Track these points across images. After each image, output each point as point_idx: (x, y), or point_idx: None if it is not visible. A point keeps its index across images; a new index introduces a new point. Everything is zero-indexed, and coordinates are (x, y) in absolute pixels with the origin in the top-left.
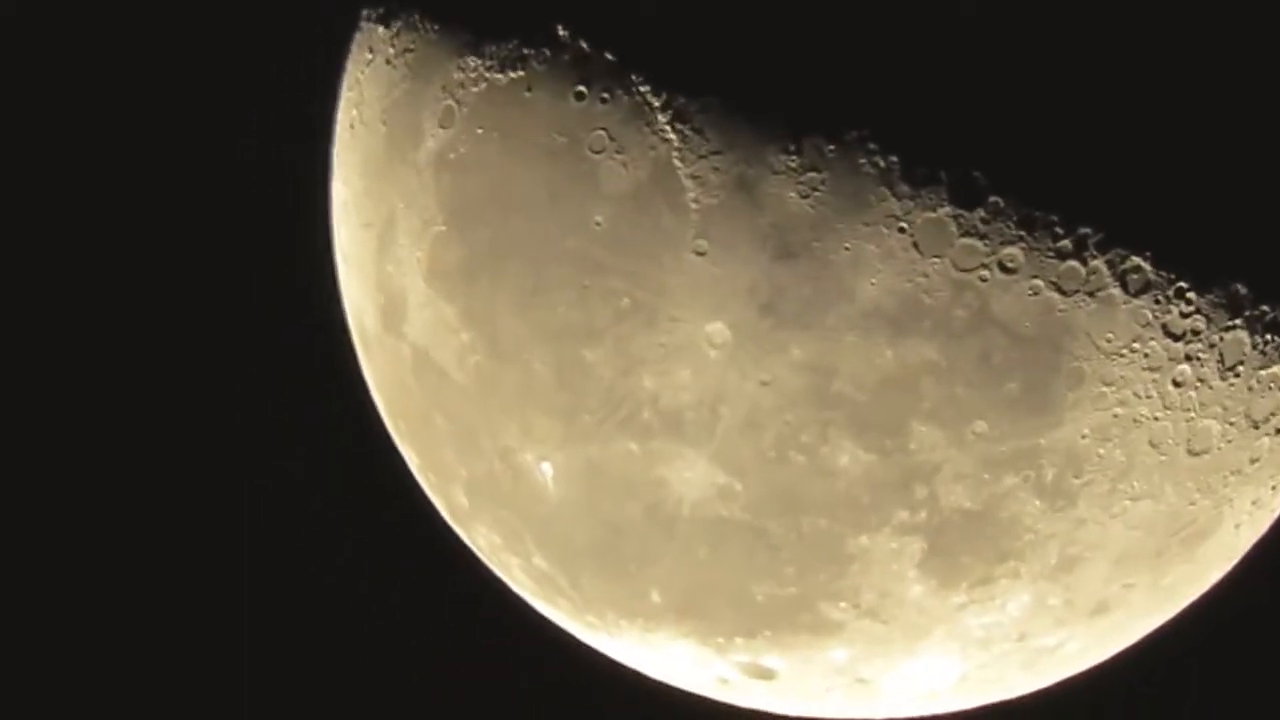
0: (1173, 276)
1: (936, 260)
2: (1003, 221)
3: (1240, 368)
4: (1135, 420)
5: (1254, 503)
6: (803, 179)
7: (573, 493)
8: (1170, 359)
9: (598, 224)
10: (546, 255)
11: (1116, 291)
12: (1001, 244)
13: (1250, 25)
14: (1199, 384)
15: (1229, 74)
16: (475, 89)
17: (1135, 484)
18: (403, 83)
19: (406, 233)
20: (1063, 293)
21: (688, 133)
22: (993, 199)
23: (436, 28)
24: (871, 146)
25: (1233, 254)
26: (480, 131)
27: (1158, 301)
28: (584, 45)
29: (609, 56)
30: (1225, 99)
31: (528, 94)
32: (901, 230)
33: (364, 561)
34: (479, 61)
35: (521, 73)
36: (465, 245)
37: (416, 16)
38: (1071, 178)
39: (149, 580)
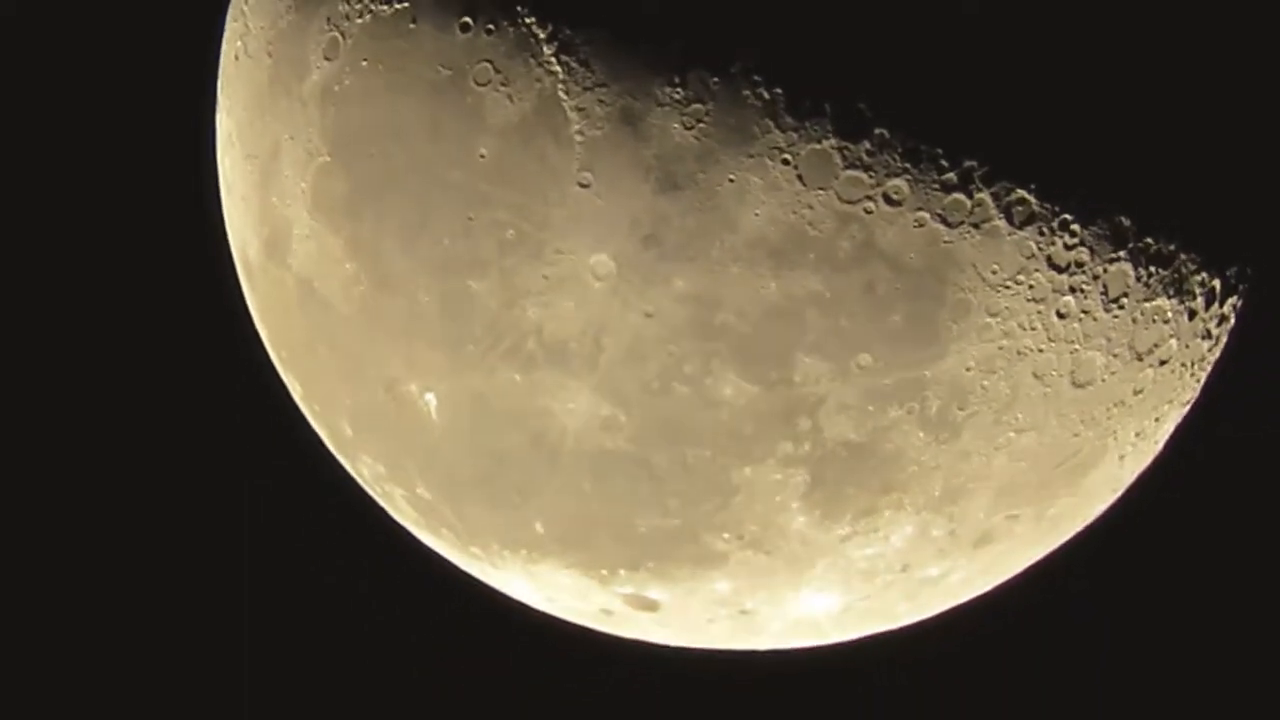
0: (1057, 209)
1: (821, 192)
2: (888, 154)
3: (1124, 299)
4: (1020, 352)
5: (1137, 434)
6: (687, 111)
7: (457, 423)
8: (1055, 291)
9: (482, 156)
10: (431, 187)
11: (1001, 223)
12: (887, 176)
13: None
14: (1083, 316)
15: (1108, 1)
16: (360, 20)
17: (1020, 416)
18: (288, 14)
19: (291, 164)
20: (948, 224)
21: (573, 65)
22: (878, 131)
23: None
24: (756, 78)
25: (1117, 186)
26: (365, 64)
27: (1042, 233)
28: None
29: None
30: (1106, 27)
31: (412, 26)
32: (786, 162)
33: (245, 489)
34: None
35: (406, 4)
36: (350, 177)
37: None
38: (956, 110)
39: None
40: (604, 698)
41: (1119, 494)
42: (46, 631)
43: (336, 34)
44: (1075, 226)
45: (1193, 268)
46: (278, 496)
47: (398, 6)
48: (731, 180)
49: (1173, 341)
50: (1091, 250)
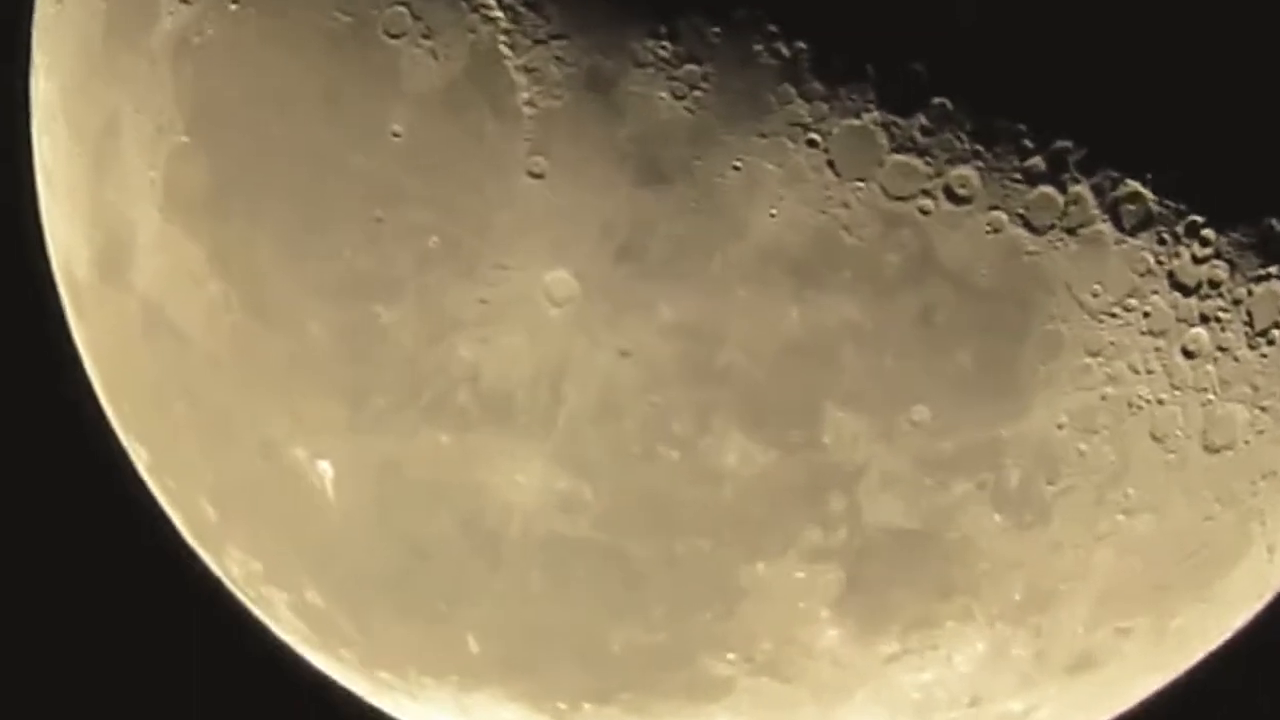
0: (1183, 208)
1: (860, 185)
2: (951, 131)
3: (1275, 332)
4: (1131, 404)
5: None
6: (677, 74)
7: (362, 502)
8: (1180, 320)
9: (396, 135)
10: (326, 178)
11: (1106, 228)
12: (949, 162)
13: None
14: (1219, 355)
15: None
16: None
17: (1131, 492)
18: None
19: (135, 145)
20: (1033, 229)
21: (520, 9)
22: (937, 100)
23: None
24: (771, 29)
25: (1265, 178)
26: (235, 7)
27: (1163, 241)
28: None
29: None
30: None
31: None
32: (812, 144)
33: (70, 593)
34: None
35: None
36: (216, 163)
37: None
38: (1044, 72)
39: None
40: None
41: (1266, 599)
42: None
43: None
44: (1208, 232)
45: None
46: (114, 603)
47: None
48: (737, 168)
49: None
50: (1231, 265)
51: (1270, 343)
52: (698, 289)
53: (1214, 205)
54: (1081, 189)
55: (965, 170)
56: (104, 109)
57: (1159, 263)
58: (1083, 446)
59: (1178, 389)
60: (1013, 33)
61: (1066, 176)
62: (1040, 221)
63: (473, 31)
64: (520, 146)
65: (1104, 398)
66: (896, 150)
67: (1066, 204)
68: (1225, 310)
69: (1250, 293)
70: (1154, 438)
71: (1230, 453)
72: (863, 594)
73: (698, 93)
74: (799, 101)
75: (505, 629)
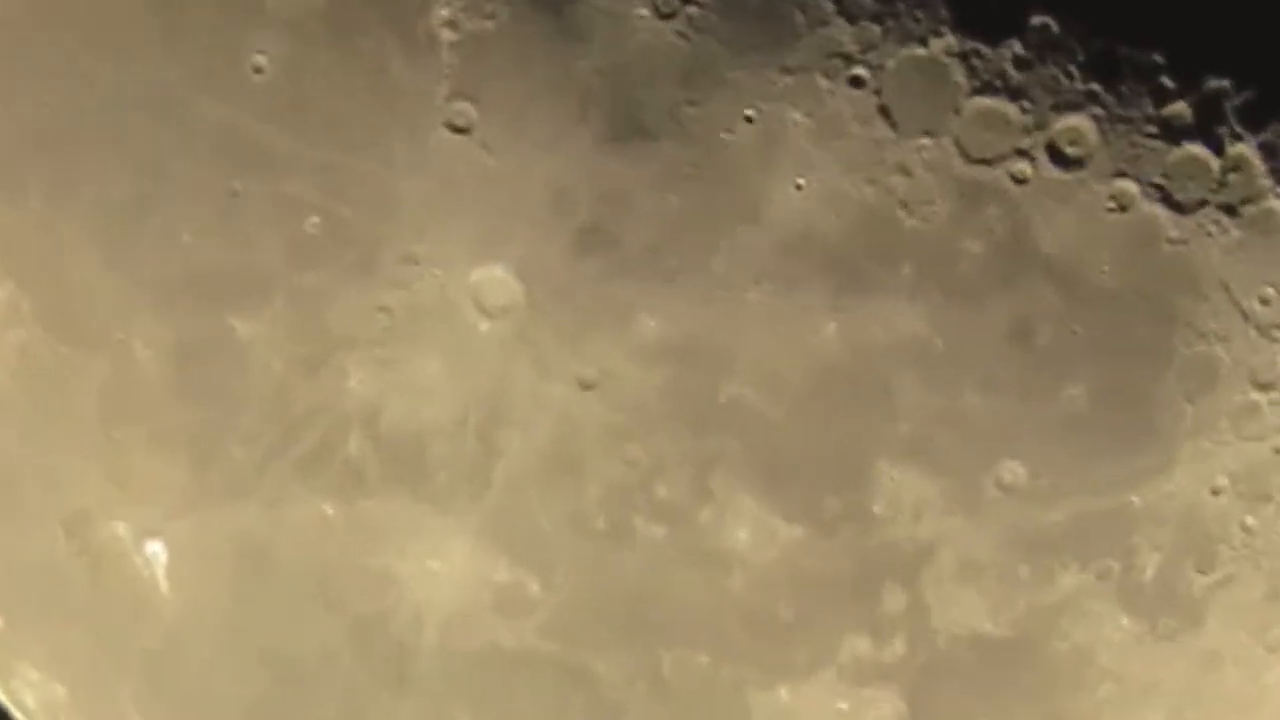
0: None
1: (927, 143)
2: (1056, 64)
3: None
4: None
5: None
6: None
7: (209, 600)
8: None
9: (259, 72)
10: (159, 133)
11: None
12: (1055, 109)
13: None
14: None
15: None
16: None
17: None
18: None
19: None
20: (1176, 207)
21: None
22: (1038, 20)
23: None
24: None
25: None
26: None
27: None
28: None
29: None
30: None
31: None
32: (857, 83)
33: None
34: None
35: None
36: (3, 118)
37: None
38: None
39: None
40: None
41: None
42: None
43: None
44: None
45: None
46: None
47: None
48: (750, 119)
49: None
50: None
51: None
52: (693, 293)
53: None
54: (1245, 149)
55: (1078, 120)
56: None
57: None
58: (1249, 520)
59: None
60: None
61: (1224, 130)
62: (1187, 195)
63: None
64: (437, 88)
65: (1279, 450)
66: (979, 92)
67: (1225, 170)
68: None
69: None
70: None
71: None
72: None
73: (693, 10)
74: (838, 22)
75: None
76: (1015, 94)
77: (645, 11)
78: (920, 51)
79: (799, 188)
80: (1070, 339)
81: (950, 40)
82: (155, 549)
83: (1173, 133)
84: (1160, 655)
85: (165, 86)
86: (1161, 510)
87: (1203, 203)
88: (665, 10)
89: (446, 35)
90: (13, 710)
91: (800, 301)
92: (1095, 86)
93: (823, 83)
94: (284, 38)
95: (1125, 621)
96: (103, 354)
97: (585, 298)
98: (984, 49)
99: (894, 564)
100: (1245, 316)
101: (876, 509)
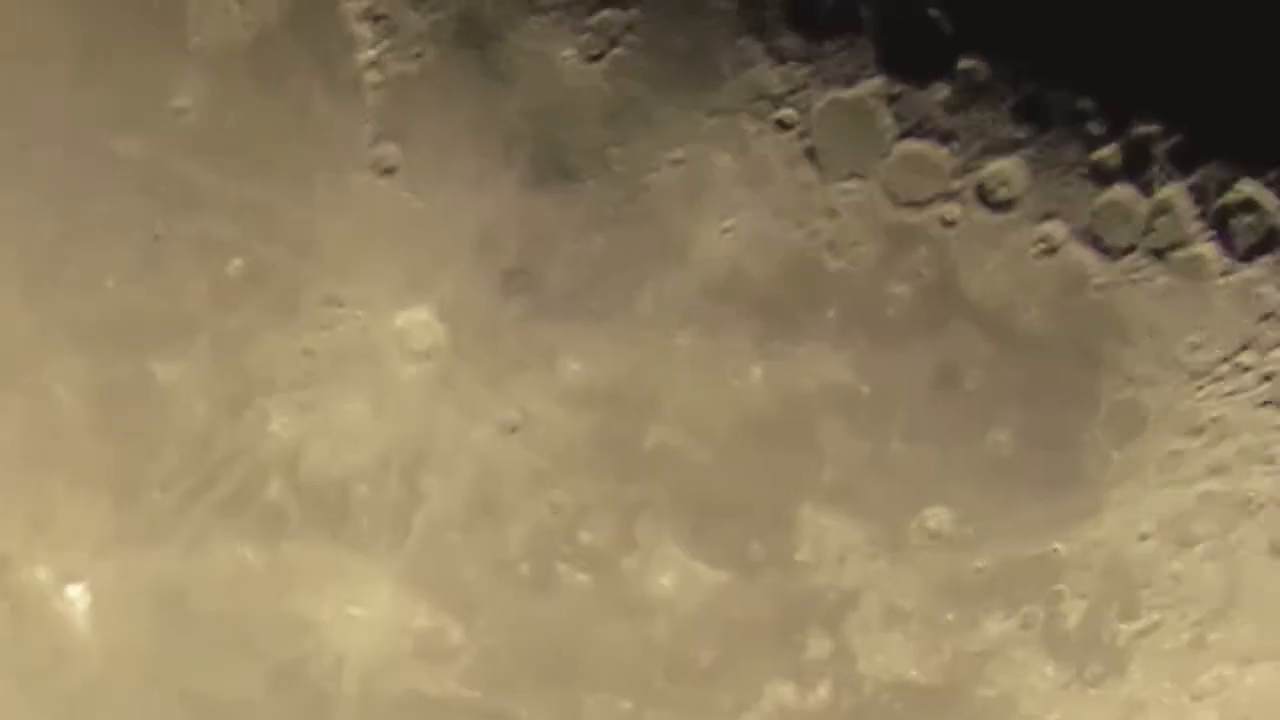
0: None
1: (855, 184)
2: (986, 107)
3: None
4: (1247, 504)
5: None
6: (590, 22)
7: (128, 644)
8: None
9: (182, 112)
10: (80, 172)
11: (1209, 250)
12: (984, 152)
13: None
14: None
15: None
16: None
17: (1244, 631)
18: None
19: None
20: (1105, 251)
21: None
22: (968, 63)
23: None
24: None
25: None
26: None
27: None
28: None
29: None
30: None
31: None
32: (784, 125)
33: None
34: None
35: None
36: None
37: None
38: (1125, 23)
39: None
40: None
41: None
42: None
43: None
44: None
45: None
46: None
47: None
48: (676, 161)
49: None
50: None
51: None
52: (619, 335)
53: None
54: (1174, 193)
55: (1006, 163)
56: None
57: None
58: (1175, 567)
59: None
60: None
61: (1152, 174)
62: (1115, 239)
63: None
64: (362, 129)
65: (1205, 497)
66: (907, 134)
67: (1153, 214)
68: None
69: None
70: (1275, 552)
71: None
72: None
73: (620, 51)
74: (765, 64)
75: None
76: (944, 137)
77: (571, 54)
78: (848, 94)
79: (725, 230)
80: (997, 384)
81: (878, 83)
82: (76, 592)
83: (1101, 176)
84: (1085, 703)
85: (88, 126)
86: (1087, 557)
87: (1131, 247)
88: (591, 52)
89: (372, 77)
90: None
91: (726, 345)
92: (1024, 130)
93: (749, 125)
94: (208, 78)
95: (1050, 669)
96: (22, 396)
97: (510, 340)
98: (912, 92)
99: (819, 610)
100: (1173, 362)
101: (801, 555)
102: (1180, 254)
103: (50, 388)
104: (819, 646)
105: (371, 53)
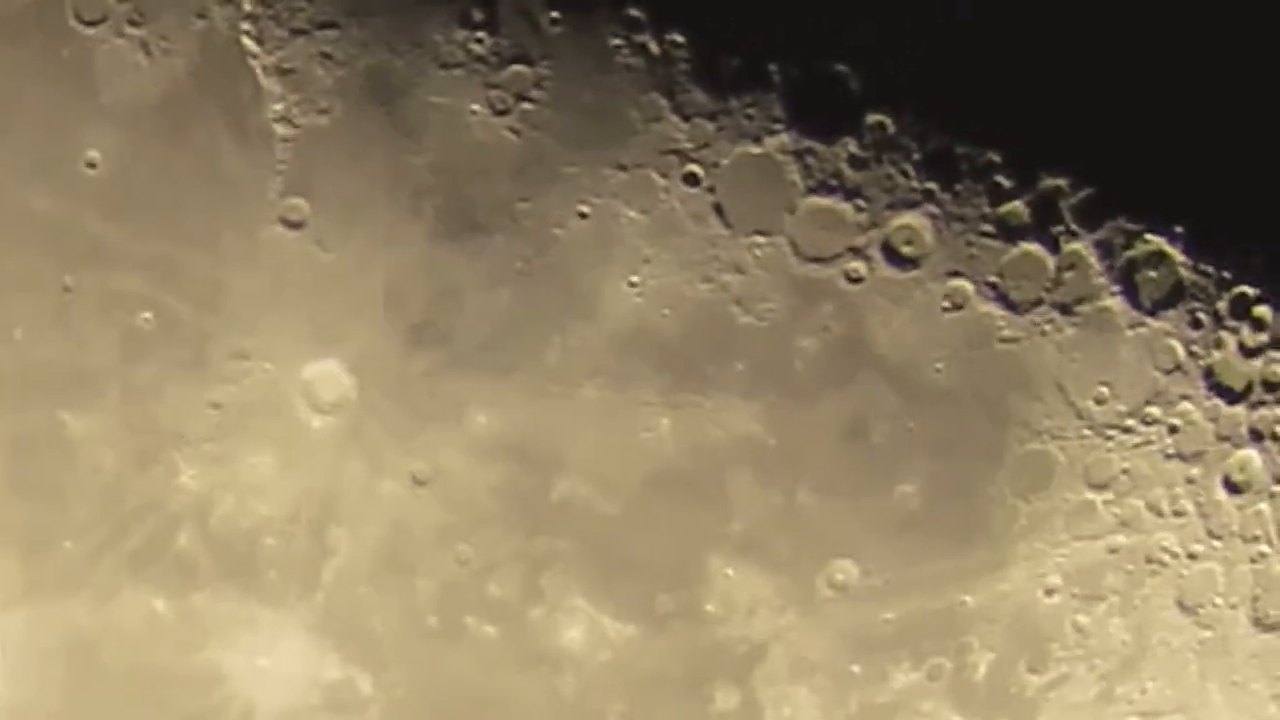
0: (1227, 275)
1: (762, 239)
2: (893, 163)
3: None
4: (1152, 559)
5: None
6: (498, 78)
7: (36, 696)
8: (1222, 438)
9: (92, 166)
10: None
11: (1117, 304)
12: (890, 208)
13: None
14: (1278, 488)
15: None
16: None
17: (1151, 685)
18: None
19: None
20: (1012, 305)
21: None
22: (874, 118)
23: None
24: (633, 14)
25: None
26: None
27: (1198, 324)
28: None
29: None
30: None
31: None
32: (692, 180)
33: None
34: None
35: None
36: None
37: None
38: (1030, 79)
39: None
40: None
41: None
42: None
43: None
44: (1263, 310)
45: None
46: None
47: None
48: (584, 215)
49: None
50: None
51: None
52: (527, 389)
53: (1274, 272)
54: (1081, 247)
55: (913, 219)
56: None
57: (1192, 354)
58: (1082, 620)
59: (1218, 538)
60: (985, 26)
61: (1060, 229)
62: (1022, 294)
63: (202, 16)
64: (271, 183)
65: (1113, 550)
66: (814, 190)
67: (1060, 269)
68: None
69: None
70: (1183, 608)
71: None
72: None
73: (527, 106)
74: (673, 119)
75: None
76: (850, 193)
77: (479, 107)
78: (755, 149)
79: (633, 284)
80: (904, 437)
81: (785, 138)
82: None
83: (1008, 231)
84: None
85: None
86: (994, 609)
87: (1038, 301)
88: (499, 106)
89: (280, 130)
90: None
91: (634, 398)
92: (931, 185)
93: (657, 180)
94: (117, 132)
95: None
96: None
97: (418, 393)
98: (819, 147)
99: (727, 663)
100: (1080, 415)
101: (709, 607)
102: (1088, 307)
103: None
104: (727, 699)
105: (280, 106)
